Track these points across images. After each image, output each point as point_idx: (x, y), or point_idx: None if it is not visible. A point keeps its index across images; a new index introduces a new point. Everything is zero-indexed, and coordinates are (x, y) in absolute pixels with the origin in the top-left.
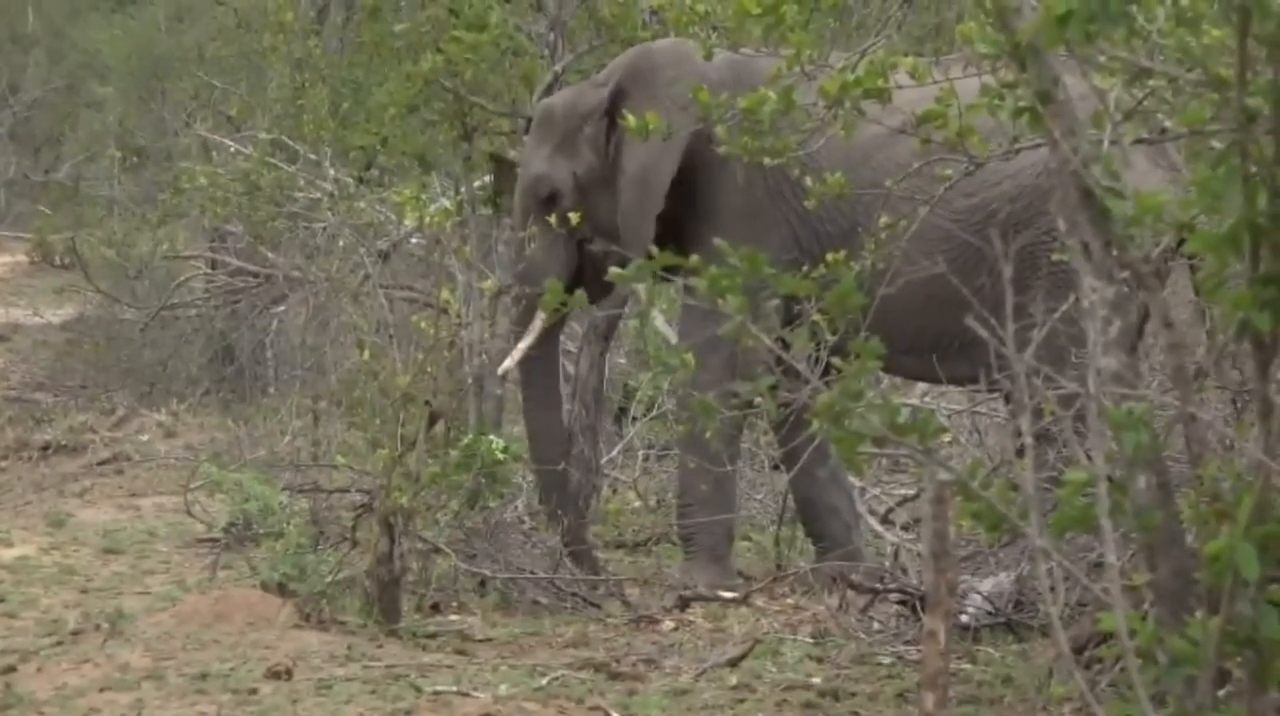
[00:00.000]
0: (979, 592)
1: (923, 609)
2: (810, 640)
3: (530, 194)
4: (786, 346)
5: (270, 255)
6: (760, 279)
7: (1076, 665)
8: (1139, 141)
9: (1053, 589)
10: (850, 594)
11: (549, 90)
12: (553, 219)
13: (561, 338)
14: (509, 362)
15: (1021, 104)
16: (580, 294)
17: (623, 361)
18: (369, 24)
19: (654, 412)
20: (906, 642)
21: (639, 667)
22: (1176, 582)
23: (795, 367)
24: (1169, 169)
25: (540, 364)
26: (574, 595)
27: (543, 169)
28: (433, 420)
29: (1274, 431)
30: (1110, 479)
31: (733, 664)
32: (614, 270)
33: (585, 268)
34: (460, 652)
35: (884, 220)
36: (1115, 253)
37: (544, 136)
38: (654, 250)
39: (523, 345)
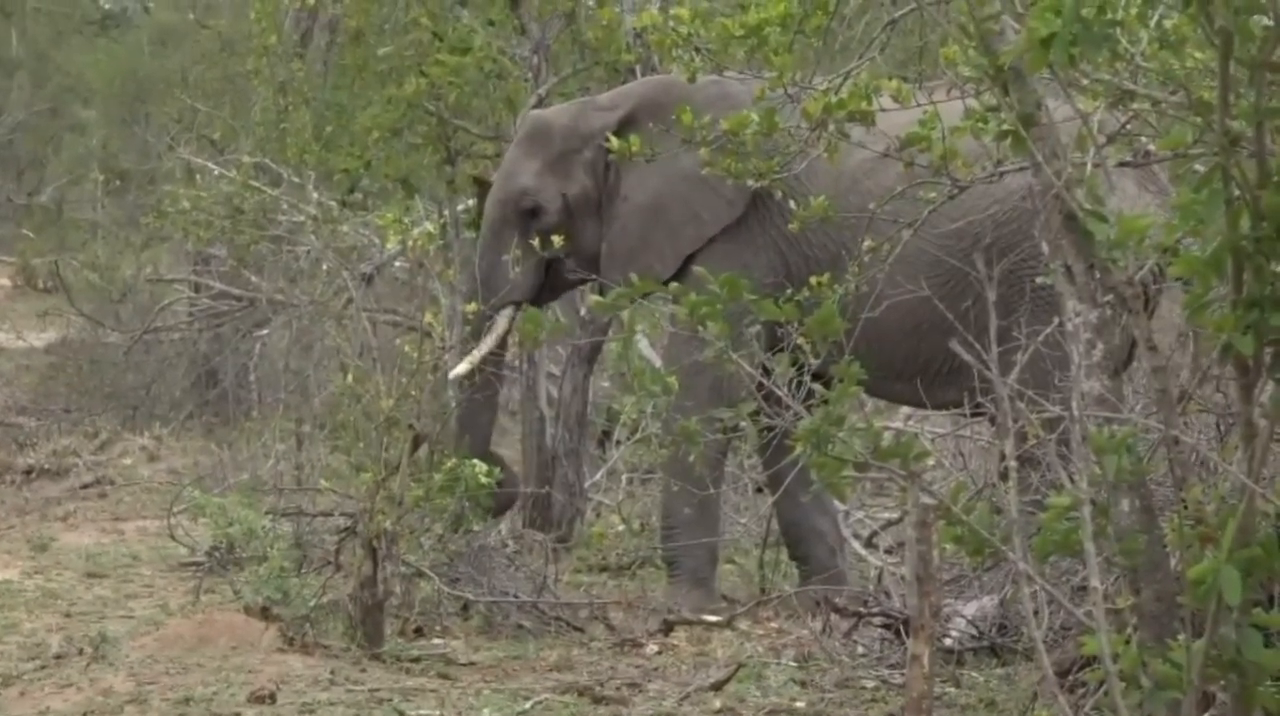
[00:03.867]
0: (963, 616)
1: (907, 632)
2: (794, 663)
3: (511, 205)
4: (768, 372)
5: (253, 278)
6: (744, 303)
7: (1060, 688)
8: (1122, 164)
9: (1036, 612)
10: (834, 617)
11: None
12: (533, 238)
13: (541, 359)
14: (462, 368)
15: (1005, 127)
16: (561, 322)
17: (606, 384)
18: (352, 47)
19: (638, 436)
20: (890, 666)
21: (623, 691)
22: (1160, 606)
23: (778, 393)
24: (1158, 192)
25: (487, 375)
26: (557, 619)
27: (529, 183)
28: (416, 443)
29: (1258, 454)
30: (1094, 502)
31: (716, 687)
32: (594, 299)
33: (545, 281)
34: (443, 676)
35: (867, 243)
36: (1099, 276)
37: (535, 151)
38: (633, 277)
39: (478, 353)
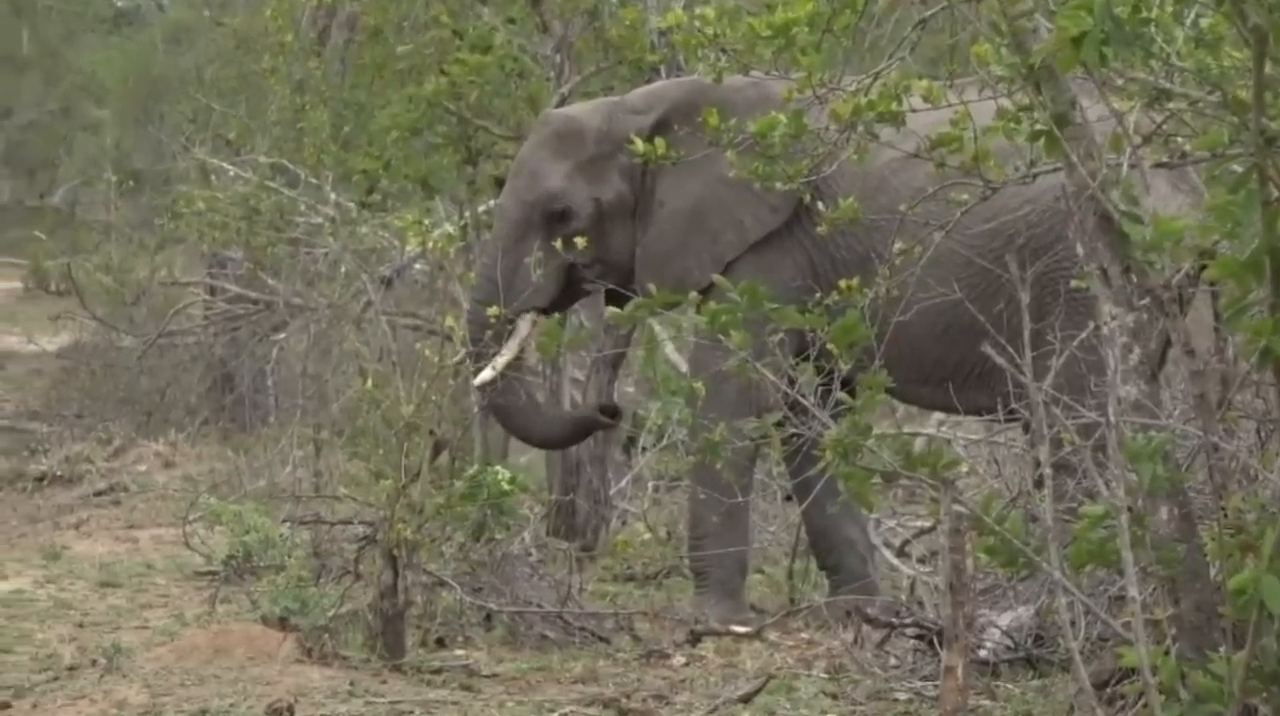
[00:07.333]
0: (998, 627)
1: (940, 644)
2: (825, 676)
3: (538, 208)
4: (794, 381)
5: (270, 281)
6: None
7: (1098, 702)
8: (1158, 165)
9: (1073, 623)
10: (866, 628)
11: None
12: (557, 242)
13: (565, 364)
14: (486, 375)
15: (1038, 127)
16: (583, 332)
17: (631, 390)
18: (371, 45)
19: (664, 442)
20: (924, 678)
21: (649, 704)
22: (1200, 617)
23: (804, 402)
24: (1190, 193)
25: (510, 380)
26: (582, 629)
27: (559, 185)
28: (437, 450)
29: None
30: (1131, 511)
31: (745, 700)
32: (612, 310)
33: (564, 287)
34: (466, 689)
35: (898, 246)
36: (1135, 278)
37: (564, 152)
38: (653, 288)
39: (503, 359)
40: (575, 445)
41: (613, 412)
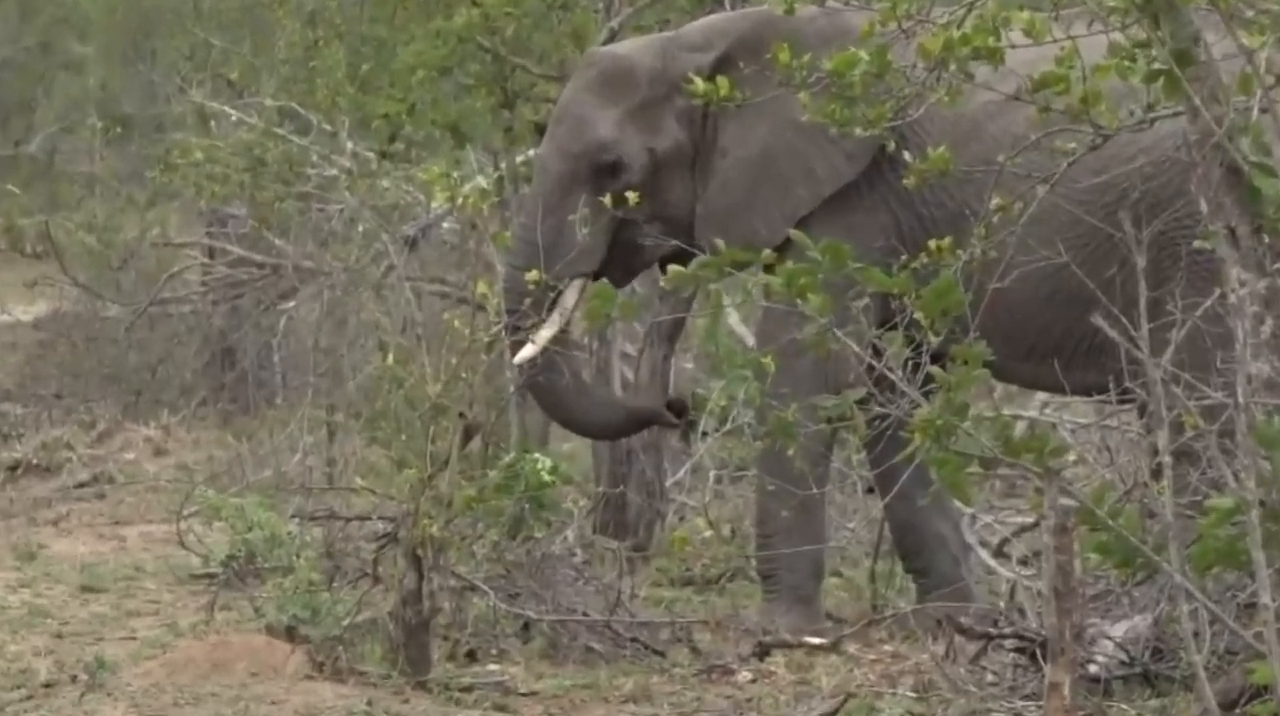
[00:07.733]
0: (1110, 638)
1: (1044, 657)
2: (912, 694)
3: (585, 159)
4: (879, 353)
5: (278, 242)
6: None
7: None
8: None
9: (1197, 634)
10: (959, 640)
11: None
12: (606, 198)
13: (615, 337)
14: (528, 352)
15: (1156, 66)
16: (637, 295)
17: (690, 366)
18: None
19: (727, 426)
20: (1025, 697)
21: None
22: None
23: (890, 377)
24: None
25: (562, 354)
26: (634, 641)
27: (609, 134)
28: (468, 435)
29: None
30: (1263, 504)
31: None
32: (673, 269)
33: (613, 250)
34: (500, 708)
35: (996, 202)
36: (1266, 239)
37: (613, 97)
38: (720, 245)
39: (545, 332)
40: (628, 437)
41: (680, 411)
